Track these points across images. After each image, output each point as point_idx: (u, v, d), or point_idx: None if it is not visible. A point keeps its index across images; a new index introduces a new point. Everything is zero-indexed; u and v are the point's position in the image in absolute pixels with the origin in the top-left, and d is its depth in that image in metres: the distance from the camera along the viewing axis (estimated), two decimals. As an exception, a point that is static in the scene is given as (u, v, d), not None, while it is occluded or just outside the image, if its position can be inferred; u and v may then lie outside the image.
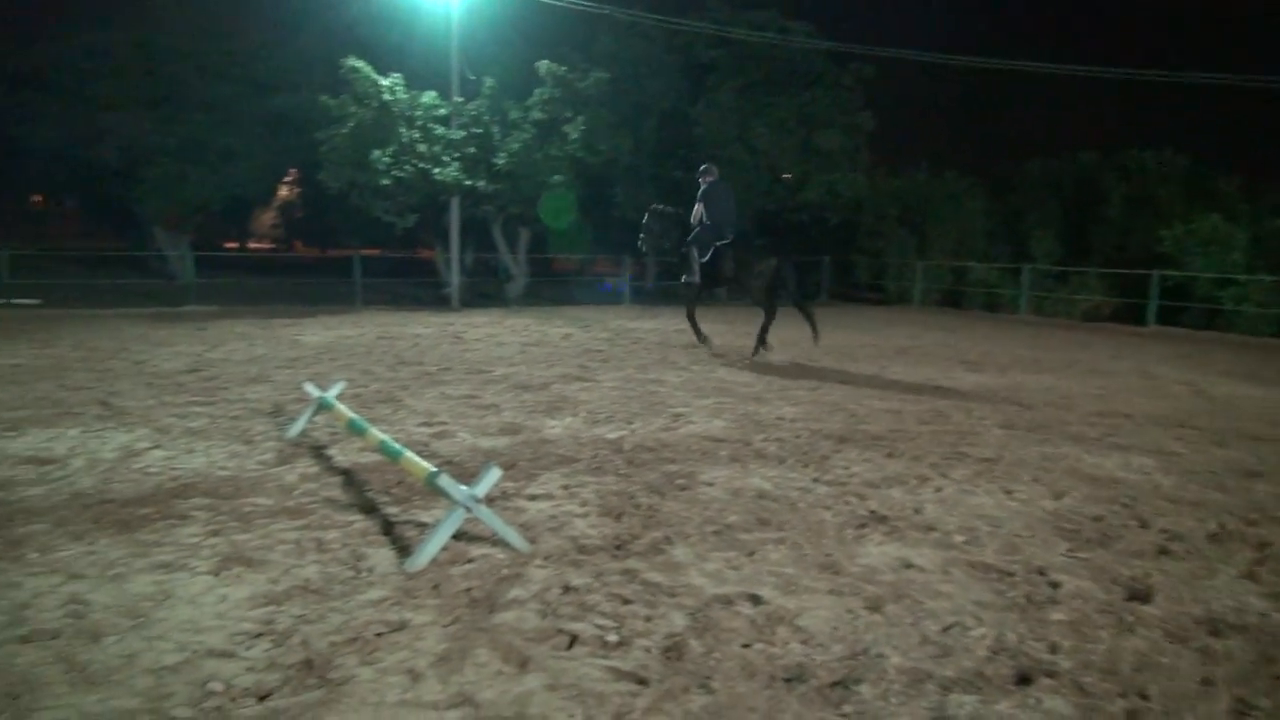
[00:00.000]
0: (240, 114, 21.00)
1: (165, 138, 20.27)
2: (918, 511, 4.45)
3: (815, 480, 5.01)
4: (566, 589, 3.39)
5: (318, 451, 5.43)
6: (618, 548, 3.85)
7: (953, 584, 3.53)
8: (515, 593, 3.34)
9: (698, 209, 10.48)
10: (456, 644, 2.92)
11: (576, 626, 3.07)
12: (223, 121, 20.82)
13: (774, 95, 20.10)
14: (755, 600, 3.31)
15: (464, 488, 3.62)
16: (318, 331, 12.36)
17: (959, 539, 4.05)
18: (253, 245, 46.19)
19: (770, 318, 10.09)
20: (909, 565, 3.71)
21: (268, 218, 45.69)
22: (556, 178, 16.79)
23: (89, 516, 4.07)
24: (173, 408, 6.65)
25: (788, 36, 19.80)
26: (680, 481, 4.91)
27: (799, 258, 11.91)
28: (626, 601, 3.29)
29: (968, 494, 4.81)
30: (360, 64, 16.08)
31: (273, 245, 46.76)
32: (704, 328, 11.12)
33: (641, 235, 11.05)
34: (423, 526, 4.05)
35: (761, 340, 10.08)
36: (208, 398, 7.10)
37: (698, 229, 10.39)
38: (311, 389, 5.85)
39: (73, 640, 2.88)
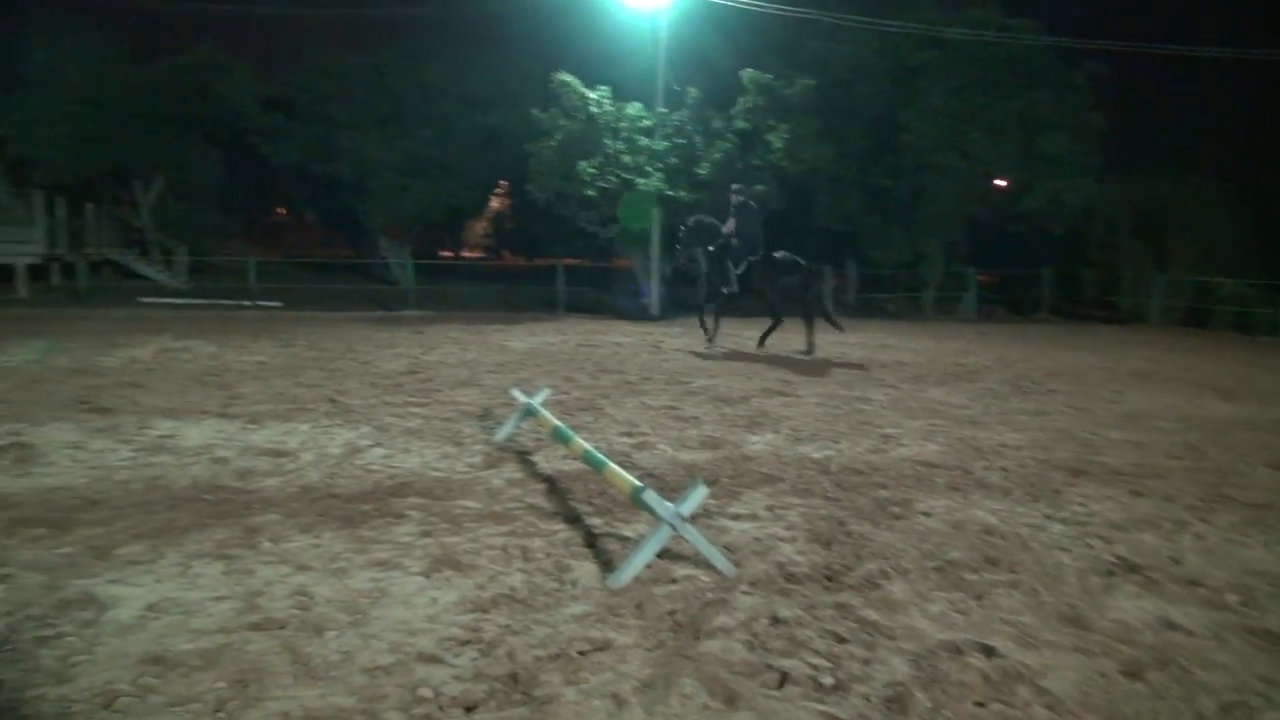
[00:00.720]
0: (457, 130, 22.25)
1: (391, 153, 21.79)
2: (1176, 562, 3.90)
3: (1048, 517, 4.53)
4: (775, 620, 3.18)
5: (523, 457, 5.50)
6: (829, 578, 3.60)
7: (1229, 653, 3.02)
8: (721, 620, 3.17)
9: (731, 223, 11.64)
10: (661, 670, 2.79)
11: (787, 663, 2.85)
12: (442, 137, 22.14)
13: (991, 97, 18.93)
14: (988, 652, 2.96)
15: (670, 505, 3.49)
16: (523, 338, 12.78)
17: (1231, 598, 3.50)
18: (466, 254, 48.92)
19: (777, 323, 11.91)
20: (1172, 625, 3.22)
21: (480, 227, 48.23)
22: (758, 188, 16.57)
23: (316, 510, 4.28)
24: (392, 407, 7.00)
25: (1009, 35, 18.59)
26: (894, 509, 4.58)
27: (818, 271, 13.42)
28: (841, 640, 3.04)
29: (1237, 545, 4.18)
30: (569, 78, 16.58)
31: (484, 254, 49.33)
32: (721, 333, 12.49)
33: (680, 240, 12.38)
34: (625, 541, 3.97)
35: (763, 340, 11.89)
36: (423, 399, 7.43)
37: (732, 242, 11.57)
38: (518, 395, 5.96)
39: (298, 632, 2.99)
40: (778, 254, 11.65)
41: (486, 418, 6.68)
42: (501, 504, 4.48)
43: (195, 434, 5.85)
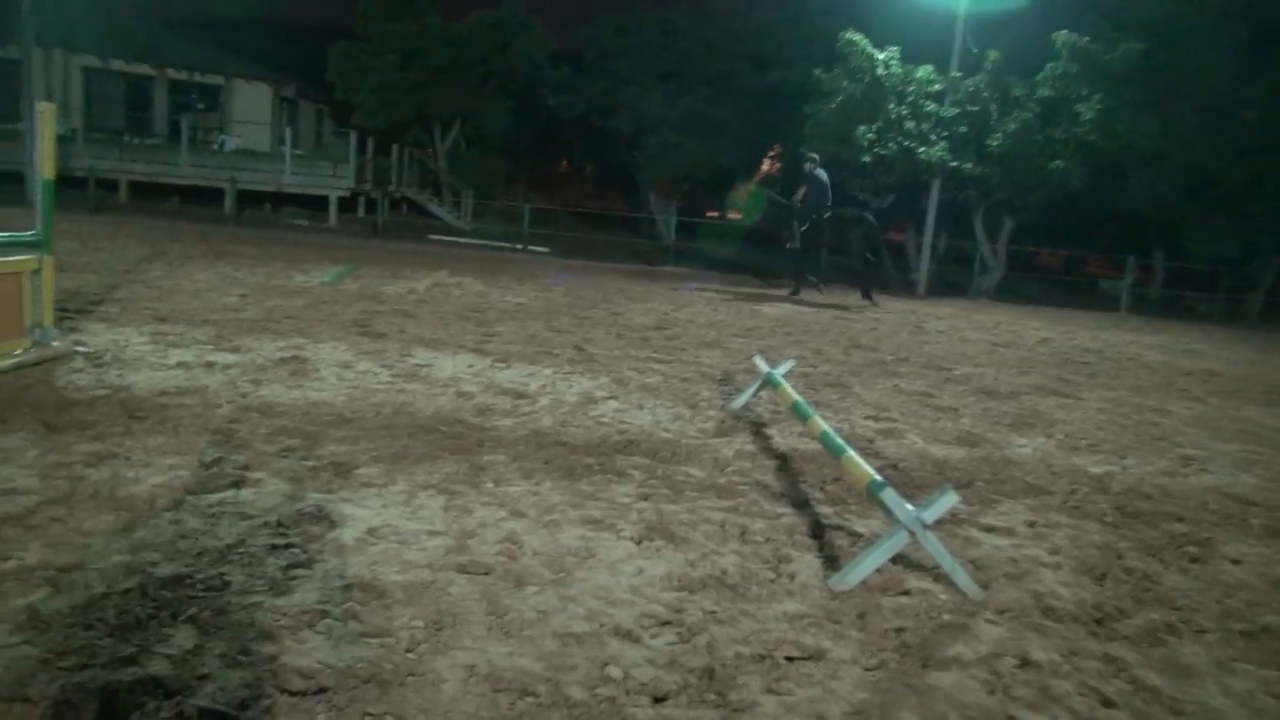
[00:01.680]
0: (736, 89, 22.00)
1: (669, 110, 21.96)
2: None
3: None
4: (1025, 662, 2.68)
5: (757, 429, 5.20)
6: (1098, 622, 3.01)
7: None
8: (957, 649, 2.71)
9: (801, 190, 13.68)
10: (878, 697, 2.40)
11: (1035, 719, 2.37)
12: (720, 96, 21.99)
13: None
14: (1314, 760, 2.30)
15: (911, 508, 3.06)
16: (777, 304, 12.41)
17: None
18: (731, 215, 48.96)
19: (871, 274, 13.95)
20: None
21: (748, 190, 48.07)
22: (1056, 164, 14.97)
23: (542, 456, 4.24)
24: (634, 361, 6.95)
25: None
26: (1190, 549, 3.81)
27: (877, 225, 14.42)
28: (1108, 703, 2.49)
29: None
30: (857, 37, 15.76)
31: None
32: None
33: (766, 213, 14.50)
34: (856, 537, 3.57)
35: (867, 294, 13.63)
36: (666, 356, 7.32)
37: (799, 205, 13.61)
38: (761, 363, 5.64)
39: (500, 581, 2.90)
40: (844, 210, 14.05)
41: (726, 383, 6.44)
42: (727, 476, 4.22)
43: (448, 366, 6.09)
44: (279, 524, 3.18)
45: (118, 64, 25.51)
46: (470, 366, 6.15)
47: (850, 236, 13.62)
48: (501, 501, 3.61)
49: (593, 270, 15.57)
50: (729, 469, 4.34)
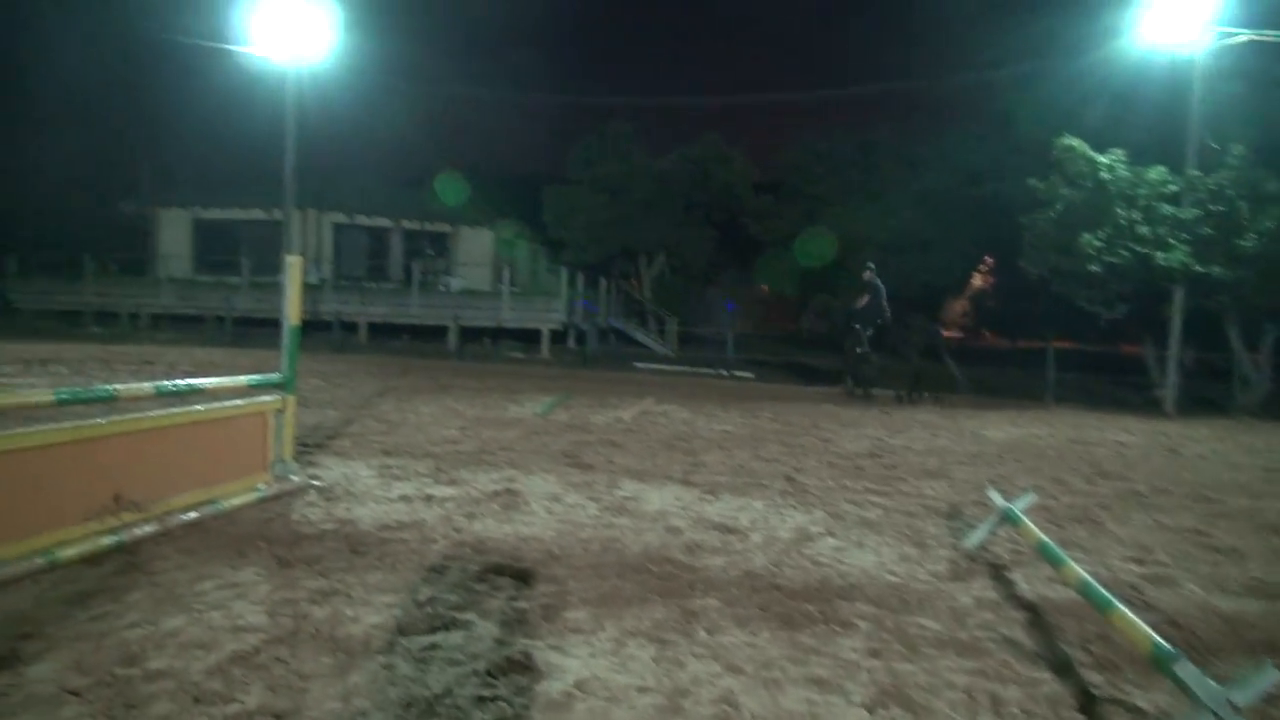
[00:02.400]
0: (943, 204, 21.47)
1: (876, 230, 21.69)
2: None
3: None
4: None
5: (997, 572, 4.63)
6: None
7: None
8: None
9: (864, 298, 14.65)
10: None
11: None
12: (926, 212, 21.52)
13: None
14: None
15: (1215, 686, 2.50)
16: (1003, 427, 11.50)
17: None
18: (942, 333, 47.18)
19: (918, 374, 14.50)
20: None
21: (958, 305, 46.28)
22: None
23: (757, 601, 3.92)
24: (850, 493, 6.52)
25: None
26: None
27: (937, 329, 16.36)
28: None
29: None
30: (1074, 142, 14.96)
31: (961, 333, 47.14)
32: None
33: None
34: (1138, 715, 2.98)
35: (916, 390, 14.47)
36: (884, 486, 6.83)
37: (860, 311, 14.62)
38: (995, 497, 5.09)
39: (716, 752, 2.60)
40: (912, 319, 15.37)
41: (955, 517, 5.87)
42: (968, 630, 3.72)
43: (655, 499, 5.93)
44: (487, 672, 3.05)
45: (361, 219, 28.55)
46: (678, 499, 5.97)
47: (911, 340, 14.68)
48: (715, 654, 3.32)
49: (799, 395, 15.22)
50: (970, 621, 3.83)
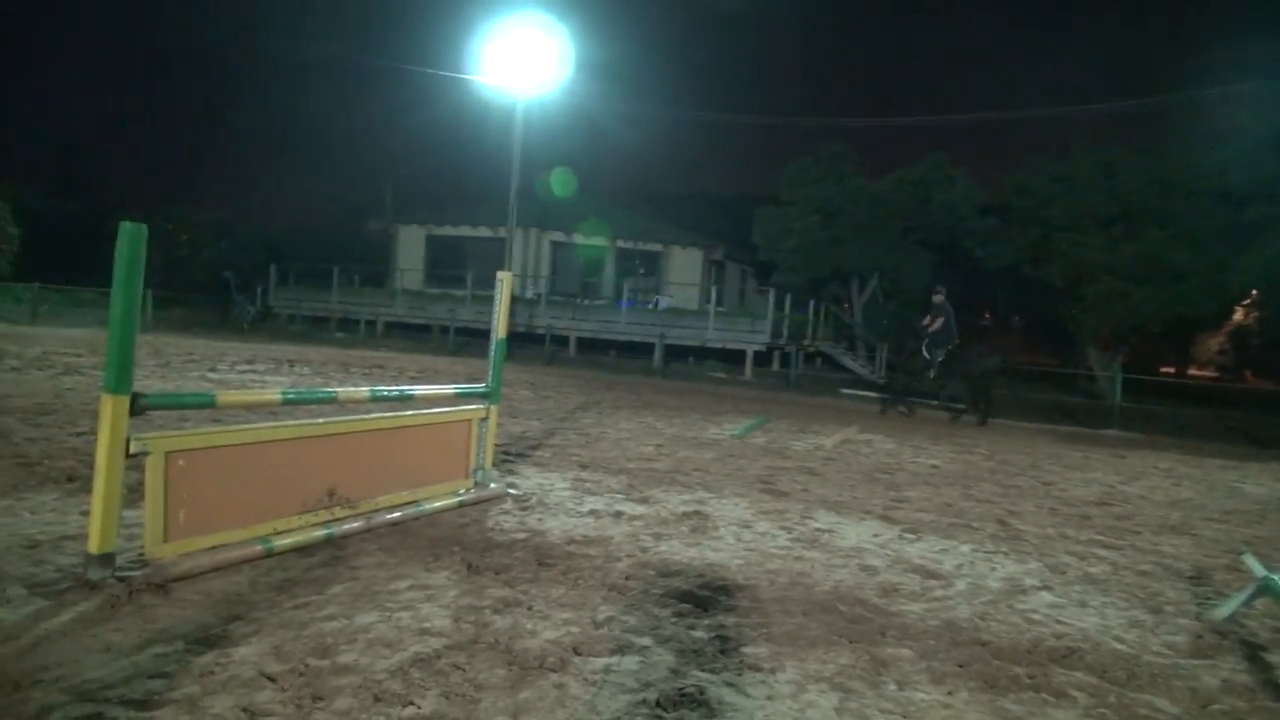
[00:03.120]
0: (1199, 229, 19.35)
1: (1113, 256, 19.91)
2: None
3: None
4: None
5: (1253, 652, 3.98)
6: None
7: None
8: None
9: (939, 321, 14.32)
10: None
11: None
12: (1177, 237, 19.48)
13: None
14: None
15: None
16: (1264, 481, 10.11)
17: None
18: (1192, 372, 42.68)
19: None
20: None
21: (1215, 342, 41.68)
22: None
23: (956, 657, 3.57)
24: (1072, 543, 5.89)
25: None
26: None
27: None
28: None
29: None
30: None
31: (1217, 374, 42.39)
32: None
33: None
34: None
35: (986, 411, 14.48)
36: (1114, 539, 6.12)
37: (934, 333, 14.35)
38: (1253, 564, 4.40)
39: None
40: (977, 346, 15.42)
41: (1200, 581, 5.14)
42: (1212, 719, 3.19)
43: (851, 534, 5.62)
44: (658, 703, 2.93)
45: (578, 238, 29.66)
46: (876, 536, 5.62)
47: (975, 367, 14.39)
48: (905, 711, 3.03)
49: (1017, 431, 14.14)
50: (1214, 708, 3.29)
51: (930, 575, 4.78)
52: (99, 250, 3.33)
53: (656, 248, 30.16)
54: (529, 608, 3.74)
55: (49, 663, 2.86)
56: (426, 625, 3.45)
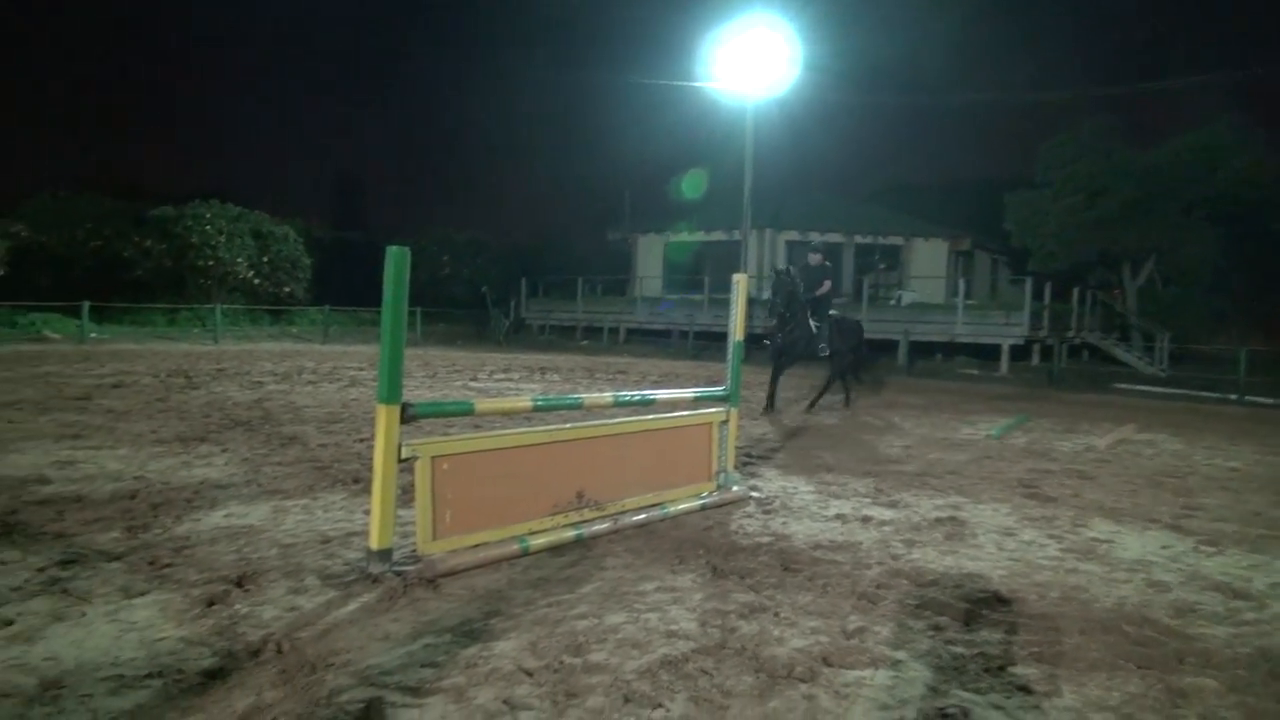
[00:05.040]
0: None
1: None
2: None
3: None
4: None
5: None
6: None
7: None
8: None
9: (828, 284, 11.09)
10: None
11: None
12: None
13: None
14: None
15: None
16: None
17: None
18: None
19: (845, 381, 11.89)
20: None
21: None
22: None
23: (1275, 692, 3.07)
24: None
25: None
26: None
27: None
28: None
29: None
30: None
31: None
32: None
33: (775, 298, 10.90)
34: None
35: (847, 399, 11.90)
36: None
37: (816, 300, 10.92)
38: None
39: None
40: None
41: None
42: None
43: (1134, 545, 5.04)
44: (914, 724, 2.75)
45: (814, 235, 29.15)
46: (1165, 548, 5.00)
47: (852, 345, 11.94)
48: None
49: (1340, 427, 12.16)
50: None
51: (1236, 595, 4.17)
52: (377, 274, 3.66)
53: (897, 240, 28.97)
54: (775, 614, 3.66)
55: (338, 648, 3.14)
56: (674, 628, 3.46)
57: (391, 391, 3.82)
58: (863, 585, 4.08)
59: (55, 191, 27.49)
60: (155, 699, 2.72)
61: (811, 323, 10.69)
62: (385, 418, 3.81)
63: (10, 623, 3.24)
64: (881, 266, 28.46)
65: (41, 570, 3.86)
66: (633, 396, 5.37)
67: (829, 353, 10.88)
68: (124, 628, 3.26)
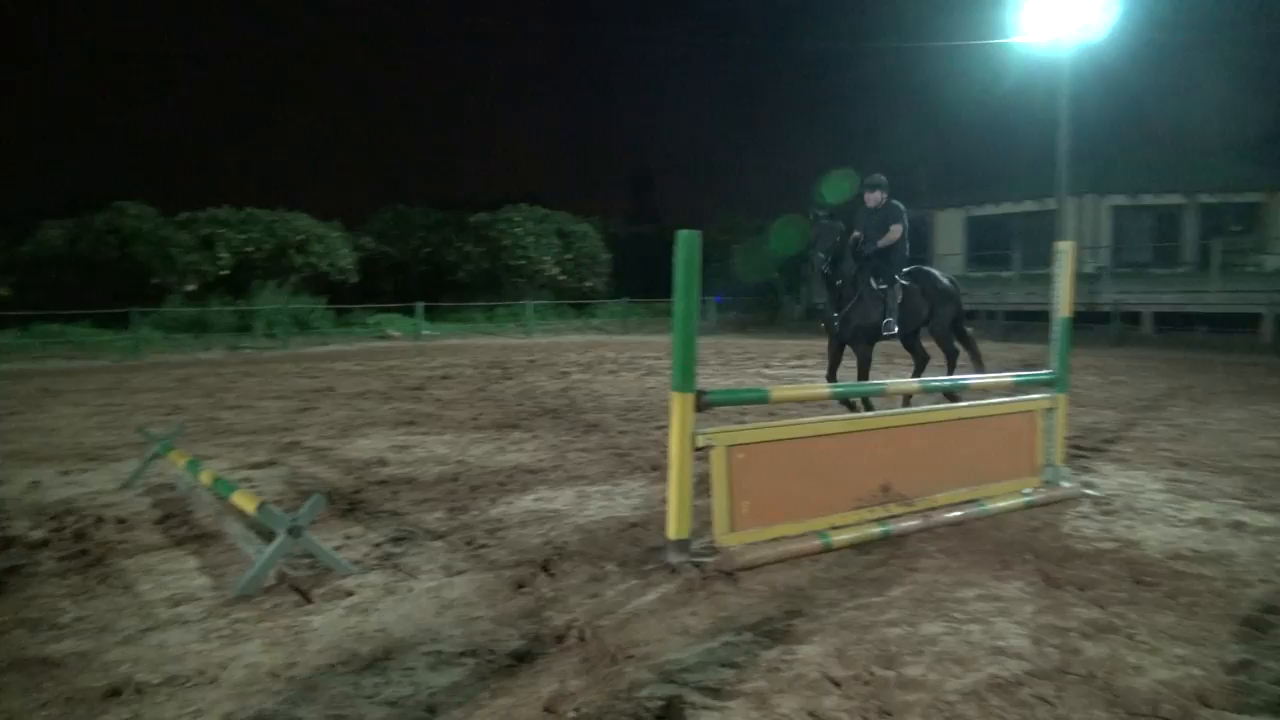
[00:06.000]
0: None
1: None
2: None
3: None
4: None
5: None
6: None
7: None
8: None
9: (897, 229, 7.54)
10: None
11: None
12: None
13: None
14: None
15: None
16: None
17: None
18: None
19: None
20: None
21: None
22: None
23: None
24: None
25: None
26: None
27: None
28: None
29: None
30: None
31: None
32: None
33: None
34: None
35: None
36: None
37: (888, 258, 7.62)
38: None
39: None
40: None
41: None
42: None
43: None
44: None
45: (1146, 198, 25.81)
46: None
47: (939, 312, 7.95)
48: None
49: None
50: None
51: None
52: (670, 264, 3.56)
53: (1254, 198, 24.87)
54: (1129, 636, 3.10)
55: (638, 639, 3.08)
56: (1001, 644, 3.03)
57: (685, 379, 3.72)
58: (1243, 607, 3.37)
59: (395, 206, 31.14)
60: (469, 677, 2.79)
61: (872, 283, 7.56)
62: (679, 406, 3.72)
63: (351, 594, 3.53)
64: (1235, 229, 24.57)
65: (377, 546, 4.20)
66: (943, 382, 4.89)
67: (896, 331, 7.66)
68: (444, 604, 3.43)
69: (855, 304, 7.50)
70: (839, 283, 7.55)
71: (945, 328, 7.97)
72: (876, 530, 4.20)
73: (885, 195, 7.73)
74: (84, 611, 3.36)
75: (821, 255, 7.45)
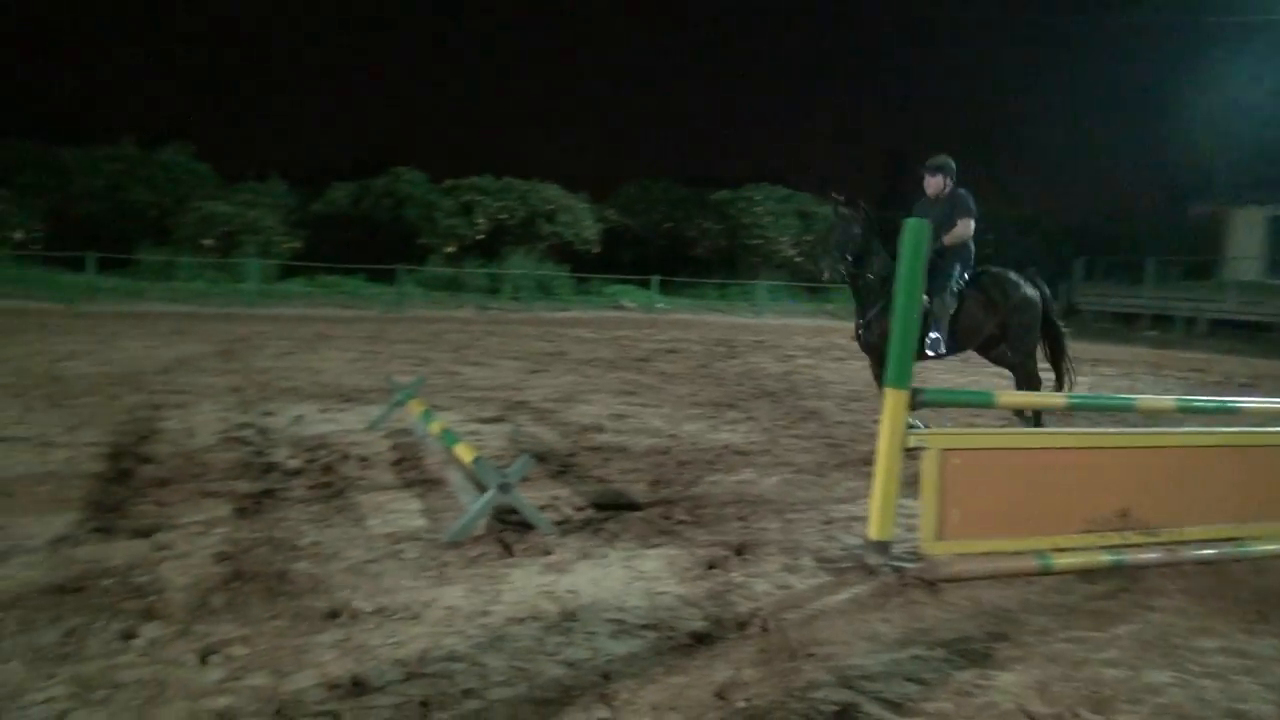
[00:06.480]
0: None
1: None
2: None
3: None
4: None
5: None
6: None
7: None
8: None
9: (968, 224, 6.17)
10: None
11: None
12: None
13: None
14: None
15: None
16: None
17: None
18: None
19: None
20: None
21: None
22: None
23: None
24: None
25: None
26: None
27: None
28: None
29: None
30: None
31: None
32: None
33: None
34: None
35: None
36: None
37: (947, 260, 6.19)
38: None
39: None
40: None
41: None
42: None
43: None
44: None
45: None
46: None
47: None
48: None
49: None
50: None
51: None
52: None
53: None
54: None
55: (821, 638, 2.99)
56: (1241, 706, 2.66)
57: (900, 375, 3.54)
58: None
59: (640, 180, 31.99)
60: (647, 651, 2.83)
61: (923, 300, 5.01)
62: (892, 402, 3.54)
63: (549, 553, 3.69)
64: None
65: (580, 510, 4.36)
66: (1208, 403, 4.33)
67: (944, 351, 6.23)
68: (634, 575, 3.50)
69: (882, 309, 5.93)
70: (864, 283, 6.20)
71: (1023, 349, 6.34)
72: (1107, 558, 3.81)
73: (950, 181, 6.38)
74: (320, 537, 3.74)
75: (837, 253, 6.16)
